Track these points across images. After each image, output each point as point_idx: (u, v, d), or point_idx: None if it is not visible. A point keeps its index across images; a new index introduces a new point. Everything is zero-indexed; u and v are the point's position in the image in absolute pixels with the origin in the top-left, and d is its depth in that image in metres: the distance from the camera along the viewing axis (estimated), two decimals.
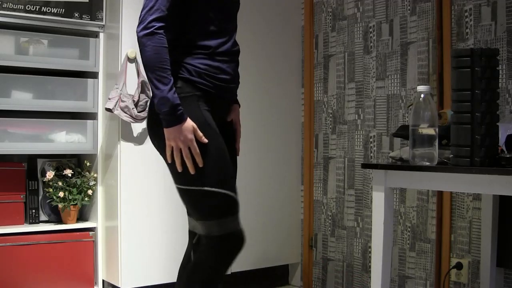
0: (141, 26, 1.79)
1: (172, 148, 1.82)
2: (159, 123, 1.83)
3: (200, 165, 1.81)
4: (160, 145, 1.89)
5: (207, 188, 1.82)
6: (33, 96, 2.81)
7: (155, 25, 1.78)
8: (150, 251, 2.90)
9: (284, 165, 3.35)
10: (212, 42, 1.89)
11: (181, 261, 2.04)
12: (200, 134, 1.82)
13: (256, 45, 3.25)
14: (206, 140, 1.82)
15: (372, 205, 2.11)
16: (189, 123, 1.81)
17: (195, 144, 1.81)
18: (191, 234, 2.01)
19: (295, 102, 3.41)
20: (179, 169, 1.82)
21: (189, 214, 2.00)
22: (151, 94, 1.87)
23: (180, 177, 1.86)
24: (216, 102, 1.93)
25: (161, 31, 1.79)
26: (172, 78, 1.79)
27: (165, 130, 1.82)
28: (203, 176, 1.82)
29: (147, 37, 1.77)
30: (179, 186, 1.88)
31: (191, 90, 1.86)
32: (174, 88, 1.79)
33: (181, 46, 1.88)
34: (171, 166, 1.88)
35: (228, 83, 1.95)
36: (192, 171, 1.81)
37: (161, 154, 1.92)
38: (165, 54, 1.78)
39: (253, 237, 3.16)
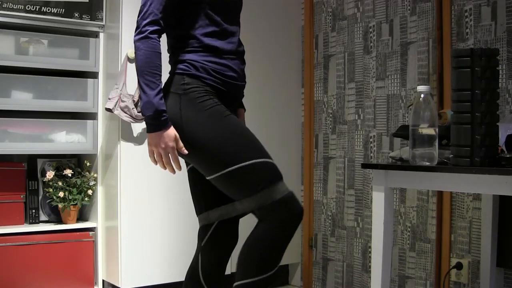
0: (137, 31, 1.82)
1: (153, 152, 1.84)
2: (180, 106, 1.84)
3: (178, 170, 1.84)
4: (194, 143, 1.85)
5: (248, 162, 1.80)
6: (33, 96, 2.81)
7: (148, 29, 1.80)
8: (150, 251, 2.90)
9: (284, 165, 3.33)
10: (216, 43, 1.89)
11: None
12: (181, 145, 1.82)
13: (256, 45, 3.25)
14: (186, 152, 1.82)
15: (372, 205, 2.11)
16: (172, 131, 1.81)
17: (175, 152, 1.82)
18: (203, 231, 1.98)
19: (295, 102, 3.41)
20: (163, 168, 1.85)
21: (209, 207, 1.95)
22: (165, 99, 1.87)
23: (215, 164, 1.82)
24: (225, 99, 1.91)
25: (155, 35, 1.81)
26: (160, 84, 1.80)
27: (147, 135, 1.83)
28: (239, 153, 1.81)
29: (141, 41, 1.80)
30: (217, 174, 1.82)
31: (200, 84, 1.85)
32: (161, 94, 1.79)
33: (186, 46, 1.88)
34: (201, 159, 1.85)
35: (236, 80, 1.94)
36: (172, 172, 1.85)
37: (197, 149, 1.85)
38: (156, 59, 1.80)
39: None
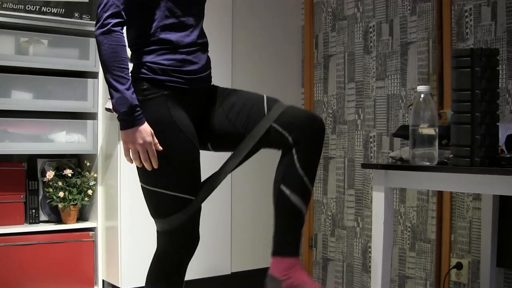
0: (98, 25, 1.74)
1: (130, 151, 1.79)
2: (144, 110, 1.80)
3: (155, 166, 1.79)
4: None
5: (166, 191, 1.82)
6: (33, 96, 2.81)
7: (111, 22, 1.73)
8: (150, 251, 2.89)
9: None
10: (173, 36, 1.83)
11: None
12: (156, 141, 1.78)
13: (256, 45, 3.25)
14: (160, 148, 1.78)
15: (372, 205, 2.11)
16: (147, 126, 1.77)
17: (153, 147, 1.77)
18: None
19: (295, 102, 3.41)
20: (139, 165, 1.81)
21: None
22: (109, 95, 1.80)
23: (143, 175, 1.86)
24: (188, 95, 1.88)
25: (118, 27, 1.74)
26: (130, 78, 1.75)
27: (122, 133, 1.77)
28: (159, 177, 1.81)
29: (104, 35, 1.72)
30: (142, 184, 1.88)
31: (159, 90, 1.81)
32: (132, 88, 1.74)
33: (143, 45, 1.83)
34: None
35: (197, 73, 1.88)
36: (149, 169, 1.80)
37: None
38: (122, 53, 1.74)
39: (253, 237, 3.16)
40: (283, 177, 1.86)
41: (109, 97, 2.78)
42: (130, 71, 1.79)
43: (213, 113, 1.94)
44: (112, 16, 1.73)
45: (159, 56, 1.83)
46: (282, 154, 1.89)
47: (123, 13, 1.75)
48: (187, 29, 1.87)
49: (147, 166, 1.79)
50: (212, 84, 2.01)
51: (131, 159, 1.81)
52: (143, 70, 1.82)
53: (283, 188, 1.84)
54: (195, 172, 1.88)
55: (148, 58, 1.83)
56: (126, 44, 1.78)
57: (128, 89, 1.73)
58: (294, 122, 1.83)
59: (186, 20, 1.86)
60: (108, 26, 1.72)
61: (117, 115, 1.78)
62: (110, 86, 1.73)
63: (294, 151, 1.83)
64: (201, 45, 1.93)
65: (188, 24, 1.87)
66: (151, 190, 1.85)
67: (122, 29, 1.76)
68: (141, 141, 1.75)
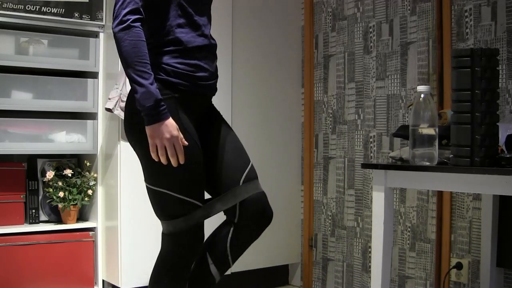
0: (116, 21, 1.72)
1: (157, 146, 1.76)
2: (137, 121, 1.79)
3: (182, 162, 1.78)
4: (137, 144, 1.86)
5: (171, 193, 1.82)
6: (33, 96, 2.81)
7: (130, 18, 1.72)
8: (150, 251, 2.89)
9: (284, 165, 3.35)
10: (185, 36, 1.84)
11: None
12: (182, 135, 1.78)
13: (256, 45, 3.25)
14: (186, 143, 1.78)
15: (372, 205, 2.11)
16: (173, 120, 1.75)
17: (180, 142, 1.76)
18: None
19: (295, 102, 3.41)
20: (165, 163, 1.78)
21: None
22: (132, 92, 1.78)
23: (144, 173, 1.87)
24: (196, 100, 1.89)
25: (138, 23, 1.73)
26: (152, 73, 1.74)
27: (149, 128, 1.74)
28: (165, 178, 1.81)
29: (124, 31, 1.71)
30: (146, 184, 1.88)
31: (169, 92, 1.81)
32: (155, 83, 1.73)
33: (156, 45, 1.83)
34: (144, 161, 1.86)
35: (207, 80, 1.90)
36: (175, 165, 1.78)
37: (137, 152, 1.89)
38: (143, 48, 1.72)
39: None
40: (211, 247, 1.94)
41: (109, 97, 2.79)
42: None
43: (207, 141, 1.95)
44: (131, 12, 1.72)
45: (173, 59, 1.83)
46: (224, 222, 1.97)
47: (141, 9, 1.75)
48: (198, 29, 1.88)
49: (173, 162, 1.77)
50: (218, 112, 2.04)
51: (157, 155, 1.77)
52: (156, 71, 1.81)
53: (208, 256, 1.92)
54: (200, 175, 1.88)
55: (161, 59, 1.83)
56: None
57: (152, 83, 1.72)
58: (250, 207, 1.92)
59: (197, 19, 1.87)
60: (128, 22, 1.71)
61: (141, 111, 1.74)
62: (134, 82, 1.72)
63: (231, 230, 1.91)
64: (212, 47, 1.94)
65: (199, 24, 1.88)
66: (157, 191, 1.85)
67: (141, 25, 1.75)
68: (168, 136, 1.74)
